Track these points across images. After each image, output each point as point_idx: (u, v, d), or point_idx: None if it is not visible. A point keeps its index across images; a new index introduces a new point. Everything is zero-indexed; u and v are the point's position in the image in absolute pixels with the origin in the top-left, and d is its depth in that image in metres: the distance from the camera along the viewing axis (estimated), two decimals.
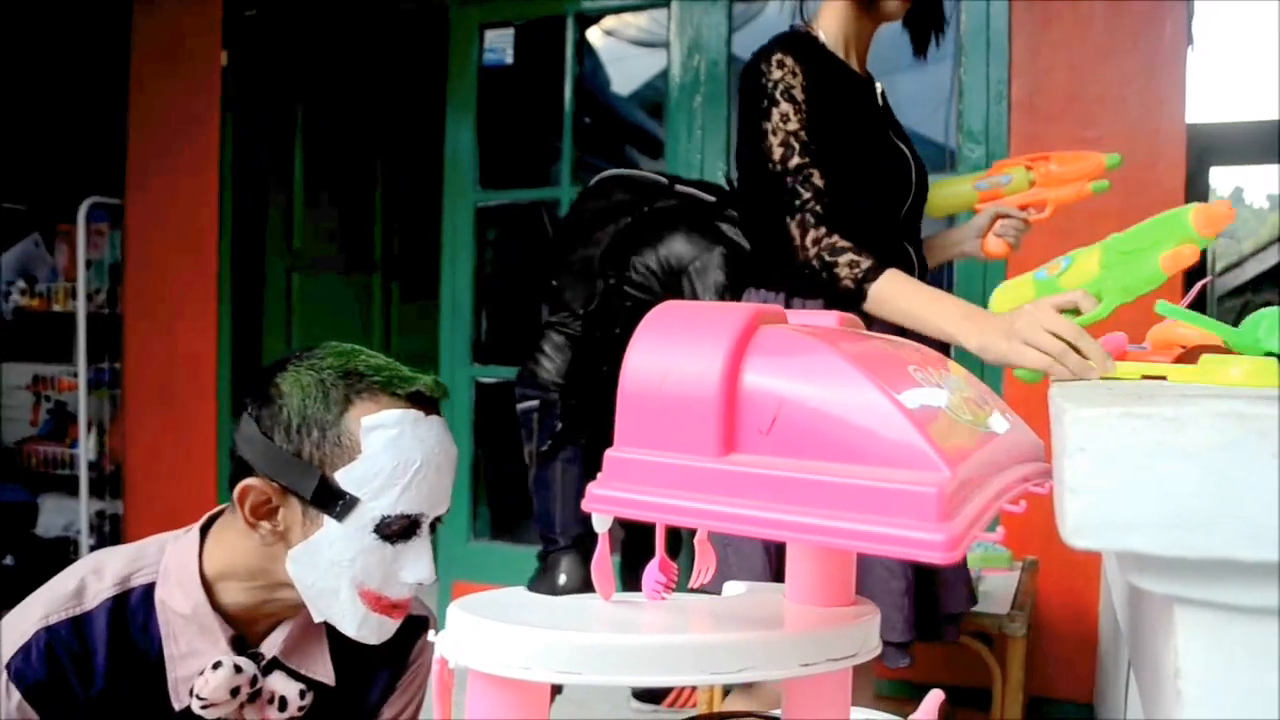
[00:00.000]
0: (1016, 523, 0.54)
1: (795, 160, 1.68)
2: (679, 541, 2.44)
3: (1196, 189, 5.22)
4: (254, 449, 1.05)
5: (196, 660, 1.07)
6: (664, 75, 3.56)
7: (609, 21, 4.69)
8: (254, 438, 1.05)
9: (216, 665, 1.05)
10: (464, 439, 3.79)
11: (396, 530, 1.03)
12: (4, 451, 4.41)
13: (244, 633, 1.11)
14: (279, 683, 1.10)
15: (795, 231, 1.66)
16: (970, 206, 1.88)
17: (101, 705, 1.07)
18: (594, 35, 5.24)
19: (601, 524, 0.62)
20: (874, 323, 1.59)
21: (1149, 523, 0.44)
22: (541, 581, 2.49)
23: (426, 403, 1.07)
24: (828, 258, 1.63)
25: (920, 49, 1.93)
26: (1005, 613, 2.13)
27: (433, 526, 1.09)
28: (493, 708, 0.60)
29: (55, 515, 4.30)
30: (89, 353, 4.14)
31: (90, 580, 1.09)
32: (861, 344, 0.58)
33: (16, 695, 1.04)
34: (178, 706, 1.08)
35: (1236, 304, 7.90)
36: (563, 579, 2.44)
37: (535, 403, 2.67)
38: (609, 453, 0.57)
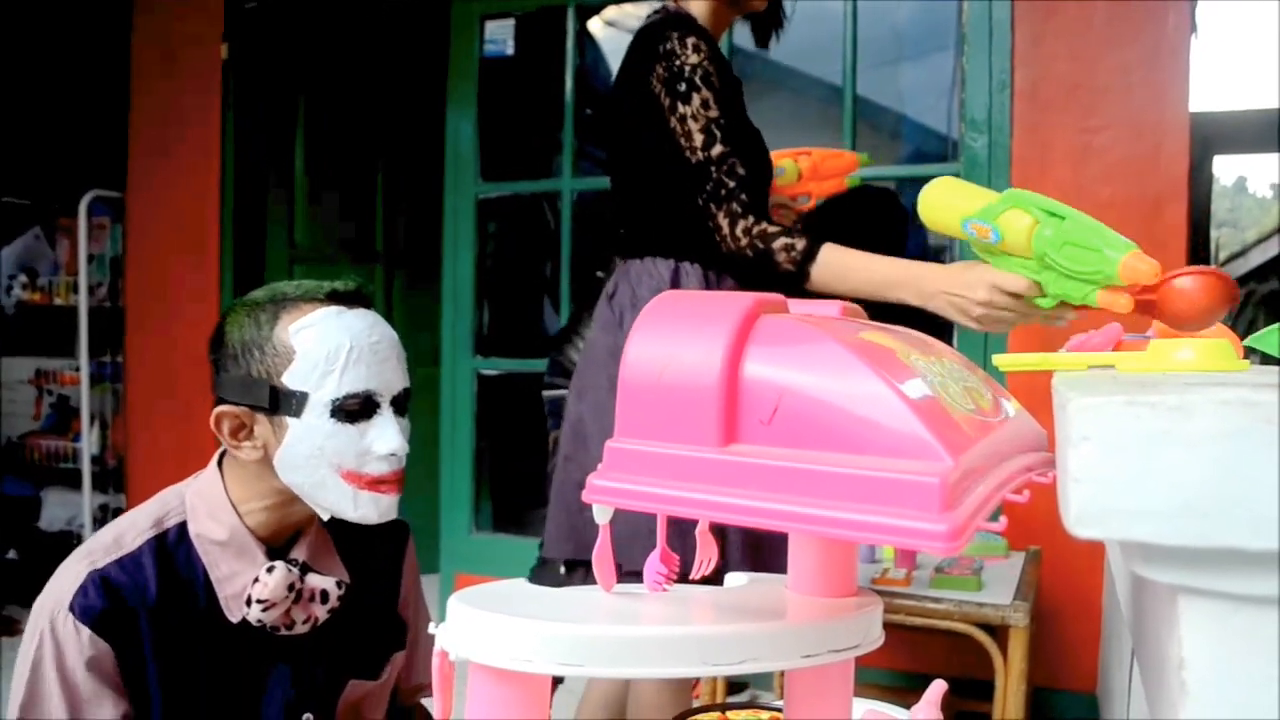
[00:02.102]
0: (1019, 513, 0.54)
1: (718, 148, 1.71)
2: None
3: (1200, 178, 5.21)
4: (218, 385, 1.19)
5: (241, 579, 1.18)
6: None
7: (610, 12, 4.67)
8: (216, 377, 1.19)
9: (270, 569, 1.17)
10: (466, 431, 3.79)
11: (353, 410, 1.14)
12: (7, 445, 4.41)
13: (271, 548, 1.22)
14: (316, 580, 1.21)
15: (724, 221, 1.69)
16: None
17: (162, 630, 1.16)
18: (595, 26, 5.22)
19: (602, 515, 0.62)
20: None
21: (1153, 512, 0.44)
22: (543, 573, 2.49)
23: (346, 299, 1.19)
24: (761, 245, 1.66)
25: (763, 42, 2.01)
26: (1008, 603, 2.13)
27: (401, 407, 1.20)
28: (494, 700, 0.60)
29: (58, 509, 4.31)
30: (91, 347, 4.14)
31: (125, 529, 1.20)
32: (864, 333, 0.58)
33: (86, 631, 1.12)
34: (234, 620, 1.19)
35: (1240, 293, 7.88)
36: (563, 569, 2.44)
37: (564, 391, 2.67)
38: (609, 443, 0.57)
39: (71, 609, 1.13)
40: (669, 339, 0.56)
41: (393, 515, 1.20)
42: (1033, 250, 1.30)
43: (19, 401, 4.48)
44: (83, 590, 1.14)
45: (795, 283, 1.65)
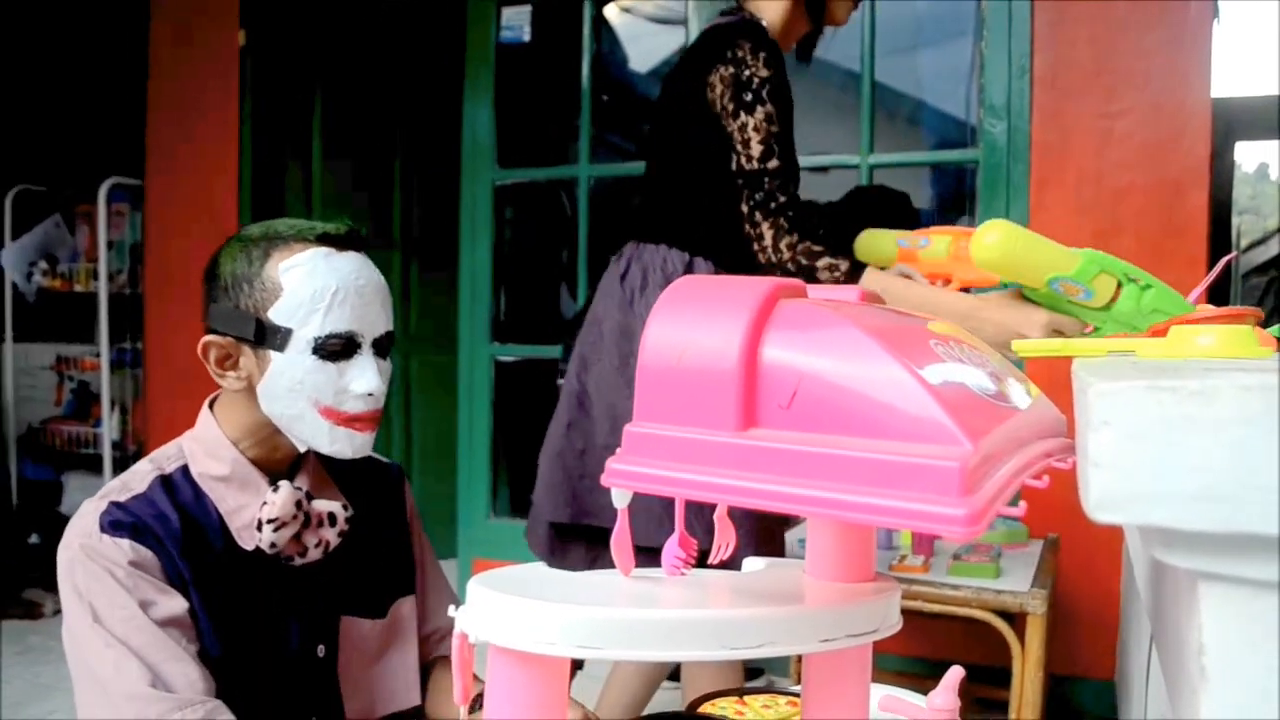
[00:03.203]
0: (1037, 500, 0.54)
1: (775, 162, 1.73)
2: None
3: (1222, 164, 5.16)
4: (208, 314, 1.23)
5: (249, 510, 1.22)
6: (682, 52, 3.54)
7: None
8: (207, 307, 1.23)
9: (275, 489, 1.21)
10: (483, 417, 3.80)
11: (335, 349, 1.19)
12: (28, 431, 4.45)
13: (273, 476, 1.26)
14: (322, 504, 1.26)
15: (769, 232, 1.71)
16: (889, 261, 1.88)
17: (189, 558, 1.18)
18: (611, 12, 5.21)
19: (621, 499, 0.62)
20: None
21: (1174, 497, 0.44)
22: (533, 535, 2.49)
23: (336, 241, 1.22)
24: (805, 262, 1.68)
25: (806, 56, 2.04)
26: (1026, 590, 2.13)
27: (383, 349, 1.25)
28: (513, 682, 0.60)
29: (79, 494, 4.33)
30: (111, 333, 4.17)
31: (129, 476, 1.23)
32: (883, 318, 0.58)
33: (125, 540, 1.15)
34: (249, 548, 1.22)
35: (1261, 280, 7.81)
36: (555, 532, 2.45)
37: None
38: (628, 428, 0.57)
39: (102, 529, 1.15)
40: (688, 323, 0.56)
41: (366, 452, 1.24)
42: (1119, 312, 1.41)
43: (40, 387, 4.52)
44: (108, 514, 1.17)
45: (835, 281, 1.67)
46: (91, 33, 4.41)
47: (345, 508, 1.27)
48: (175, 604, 1.15)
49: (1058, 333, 1.48)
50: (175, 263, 4.14)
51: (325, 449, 1.22)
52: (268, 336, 1.18)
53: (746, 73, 1.74)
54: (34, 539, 4.26)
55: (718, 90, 1.77)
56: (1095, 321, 1.46)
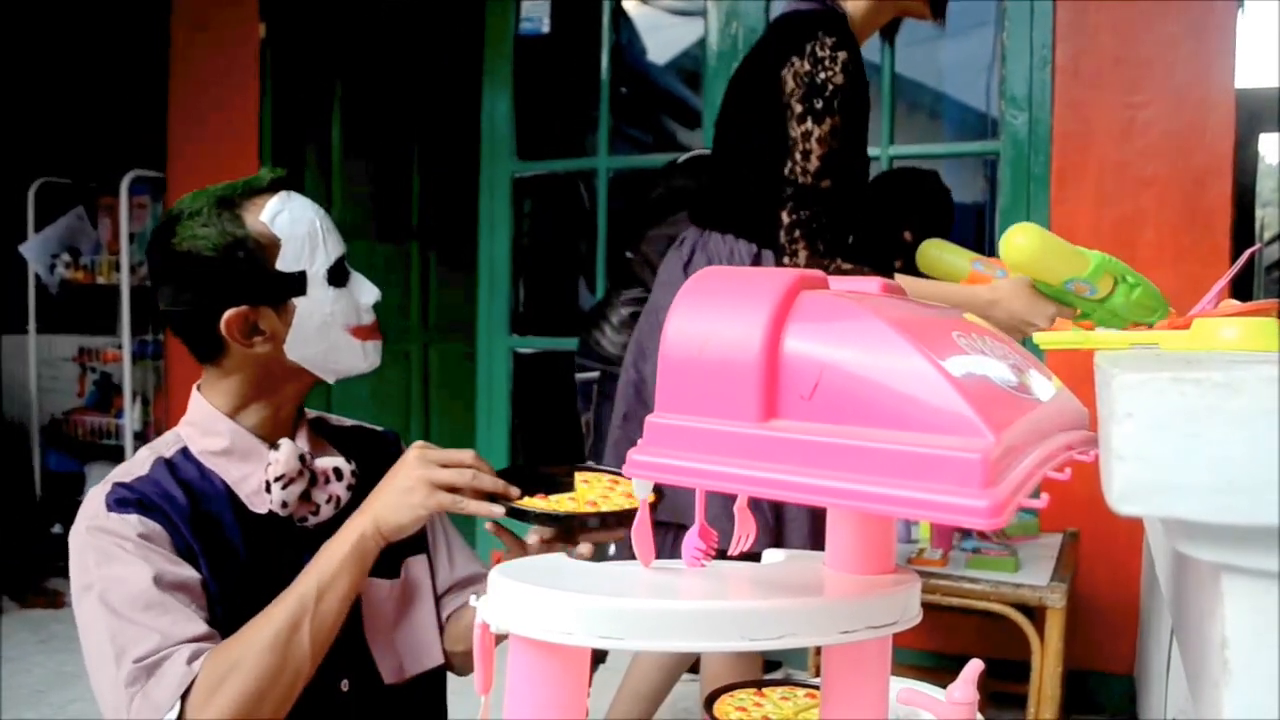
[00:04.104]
0: (1056, 494, 0.54)
1: (827, 182, 1.71)
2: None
3: (1245, 155, 5.12)
4: (198, 298, 1.21)
5: (255, 477, 1.23)
6: (701, 44, 3.54)
7: None
8: (187, 293, 1.22)
9: (276, 447, 1.22)
10: (502, 409, 3.81)
11: (339, 273, 1.24)
12: (51, 422, 4.49)
13: (272, 446, 1.26)
14: (325, 461, 1.27)
15: (803, 253, 1.71)
16: (958, 280, 1.87)
17: (198, 532, 1.19)
18: (630, 4, 5.20)
19: (642, 489, 0.62)
20: None
21: (1198, 489, 0.44)
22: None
23: (283, 183, 1.25)
24: (822, 265, 1.69)
25: (940, 13, 1.95)
26: (1045, 584, 2.12)
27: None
28: (534, 672, 0.60)
29: None
30: (133, 324, 4.20)
31: (131, 462, 1.24)
32: (905, 310, 0.58)
33: (132, 515, 1.15)
34: (261, 511, 1.23)
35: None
36: (611, 548, 2.45)
37: (596, 374, 2.67)
38: (650, 418, 0.57)
39: (109, 508, 1.16)
40: (710, 314, 0.56)
41: (378, 359, 1.31)
42: (1112, 305, 1.55)
43: (63, 379, 4.56)
44: (113, 493, 1.17)
45: None
46: (113, 26, 4.44)
47: (349, 461, 1.29)
48: (186, 573, 1.16)
49: (1060, 323, 1.62)
50: None
51: (362, 366, 1.28)
52: (290, 286, 1.21)
53: (822, 76, 1.70)
54: (57, 529, 4.30)
55: (789, 87, 1.72)
56: (1090, 313, 1.60)
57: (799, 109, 1.71)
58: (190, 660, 1.09)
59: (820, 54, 1.70)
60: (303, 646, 1.11)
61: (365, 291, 1.27)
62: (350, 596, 1.15)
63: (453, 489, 1.14)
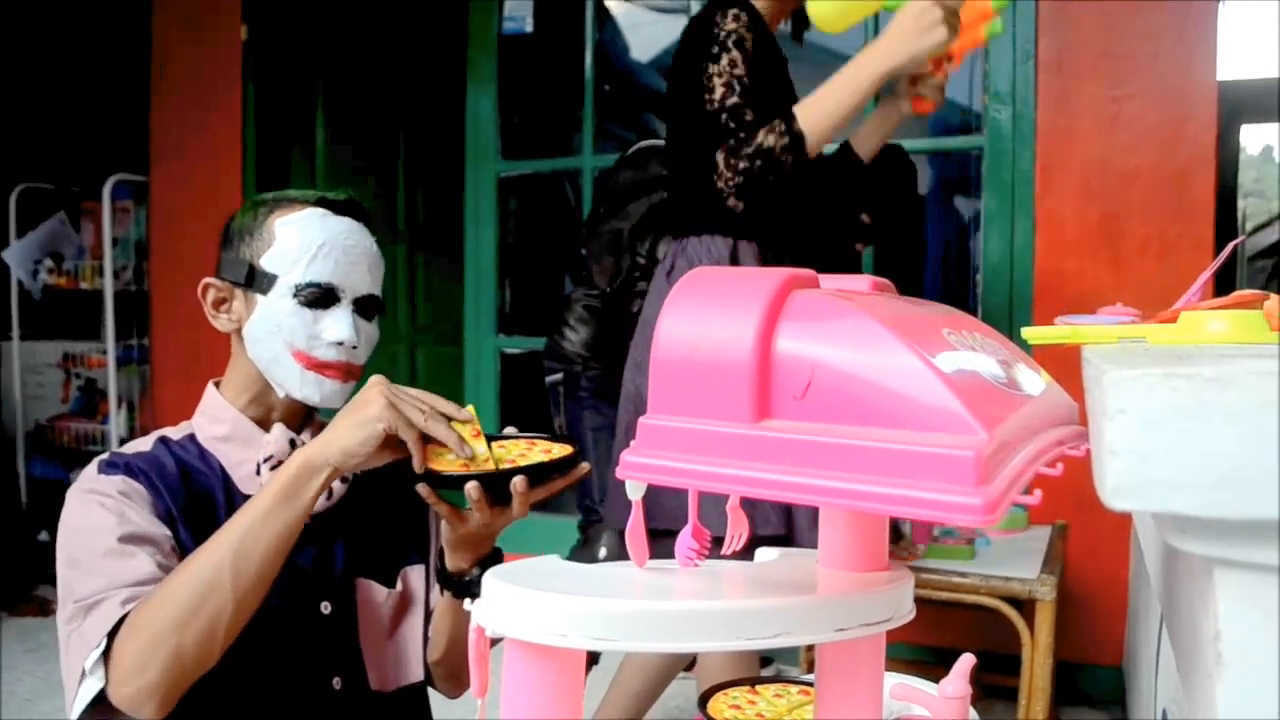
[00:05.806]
0: (1045, 488, 0.54)
1: (734, 100, 1.75)
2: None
3: (1227, 147, 5.14)
4: (218, 264, 1.32)
5: (251, 462, 1.28)
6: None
7: None
8: (218, 257, 1.33)
9: (268, 432, 1.28)
10: (490, 410, 3.80)
11: (313, 297, 1.26)
12: (36, 429, 4.46)
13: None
14: None
15: (720, 159, 1.74)
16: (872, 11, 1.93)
17: (185, 508, 1.24)
18: (613, 2, 5.20)
19: (635, 491, 0.62)
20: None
21: (1190, 484, 0.44)
22: (582, 553, 2.50)
23: (334, 205, 1.31)
24: (750, 150, 1.72)
25: (799, 35, 2.06)
26: (1035, 577, 2.13)
27: (367, 311, 1.31)
28: (529, 675, 0.60)
29: None
30: (117, 329, 4.18)
31: (136, 441, 1.31)
32: (896, 307, 0.58)
33: (118, 475, 1.22)
34: (252, 493, 1.22)
35: (1268, 264, 7.79)
36: (603, 552, 2.45)
37: (560, 375, 2.67)
38: (642, 420, 0.57)
39: (99, 470, 1.23)
40: (701, 315, 0.56)
41: (336, 403, 1.29)
42: None
43: (47, 385, 4.53)
44: (105, 459, 1.25)
45: (798, 151, 1.71)
46: (94, 30, 4.41)
47: None
48: (157, 530, 1.19)
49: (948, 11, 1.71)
50: (180, 258, 4.15)
51: (296, 393, 1.28)
52: (256, 280, 1.27)
53: (713, 30, 1.77)
54: (43, 536, 4.27)
55: (700, 65, 1.79)
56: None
57: (702, 64, 1.78)
58: (126, 603, 1.10)
59: (714, 21, 1.79)
60: (224, 579, 1.10)
61: (335, 328, 1.27)
62: (291, 525, 1.13)
63: (408, 421, 1.12)
